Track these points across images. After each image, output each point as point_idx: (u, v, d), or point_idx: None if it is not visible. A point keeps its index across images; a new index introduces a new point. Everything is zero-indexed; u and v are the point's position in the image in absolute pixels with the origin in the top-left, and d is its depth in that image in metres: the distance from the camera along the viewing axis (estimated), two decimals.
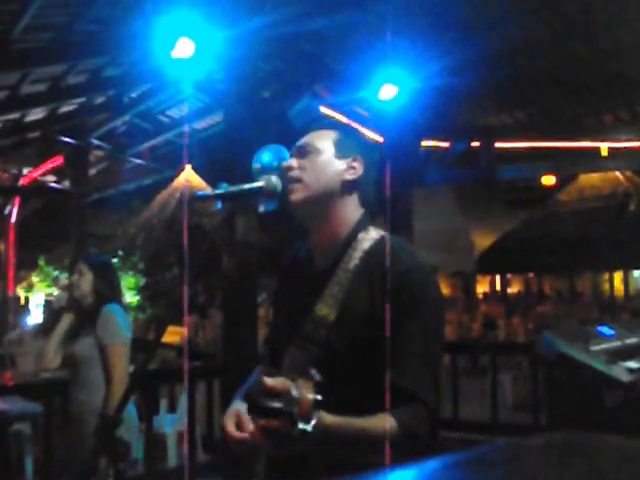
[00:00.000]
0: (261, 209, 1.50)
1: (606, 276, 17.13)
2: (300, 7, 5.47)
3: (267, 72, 7.06)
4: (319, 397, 1.21)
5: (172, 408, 5.49)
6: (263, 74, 6.95)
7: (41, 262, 12.49)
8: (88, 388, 2.98)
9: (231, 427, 1.39)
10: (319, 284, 1.48)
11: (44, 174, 11.44)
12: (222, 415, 1.46)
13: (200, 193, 1.50)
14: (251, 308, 5.28)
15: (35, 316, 10.62)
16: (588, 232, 12.41)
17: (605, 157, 8.51)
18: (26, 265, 12.94)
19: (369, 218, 1.57)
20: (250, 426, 1.35)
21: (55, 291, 11.84)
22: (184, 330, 6.37)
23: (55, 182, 11.72)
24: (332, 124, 1.64)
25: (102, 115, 9.34)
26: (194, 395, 4.89)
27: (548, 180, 11.82)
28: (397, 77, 5.92)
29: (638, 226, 11.94)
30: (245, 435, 1.35)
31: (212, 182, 9.20)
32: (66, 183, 10.82)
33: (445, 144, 9.01)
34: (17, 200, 12.24)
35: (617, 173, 12.90)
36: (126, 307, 3.66)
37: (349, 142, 1.57)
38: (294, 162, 1.53)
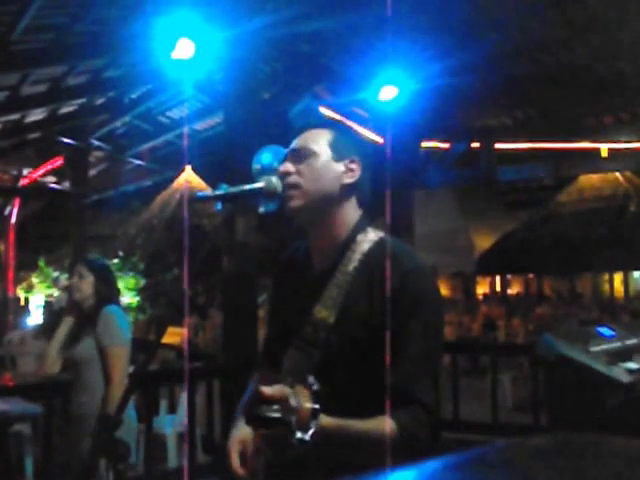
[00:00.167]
0: (261, 210, 1.50)
1: (606, 277, 17.12)
2: (300, 8, 5.47)
3: (267, 73, 7.06)
4: (317, 406, 1.20)
5: (172, 409, 5.49)
6: (263, 75, 6.95)
7: (41, 263, 12.49)
8: (89, 389, 2.98)
9: (235, 460, 1.39)
10: (318, 286, 1.48)
11: (44, 175, 11.45)
12: (222, 416, 1.46)
13: (200, 194, 1.50)
14: (251, 309, 5.28)
15: (35, 317, 10.61)
16: (588, 233, 12.40)
17: (605, 158, 8.52)
18: (26, 266, 12.95)
19: (367, 219, 1.56)
20: (254, 461, 1.35)
21: (55, 292, 11.84)
22: (184, 331, 6.37)
23: (55, 183, 11.73)
24: (325, 122, 1.61)
25: (102, 116, 9.34)
26: (194, 396, 4.89)
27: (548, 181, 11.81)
28: (397, 78, 5.92)
29: (638, 227, 11.93)
30: (247, 472, 1.36)
31: (212, 183, 9.20)
32: (66, 184, 10.83)
33: (445, 145, 9.02)
34: (17, 201, 12.24)
35: (617, 174, 12.89)
36: (126, 308, 3.66)
37: (345, 142, 1.54)
38: (291, 167, 1.50)
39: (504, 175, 9.26)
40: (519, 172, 9.56)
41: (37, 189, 11.86)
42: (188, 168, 11.29)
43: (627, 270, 15.85)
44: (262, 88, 6.64)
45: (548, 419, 3.83)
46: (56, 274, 12.12)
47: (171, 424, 5.06)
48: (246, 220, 4.98)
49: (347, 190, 1.51)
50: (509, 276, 18.12)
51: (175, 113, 9.71)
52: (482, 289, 18.56)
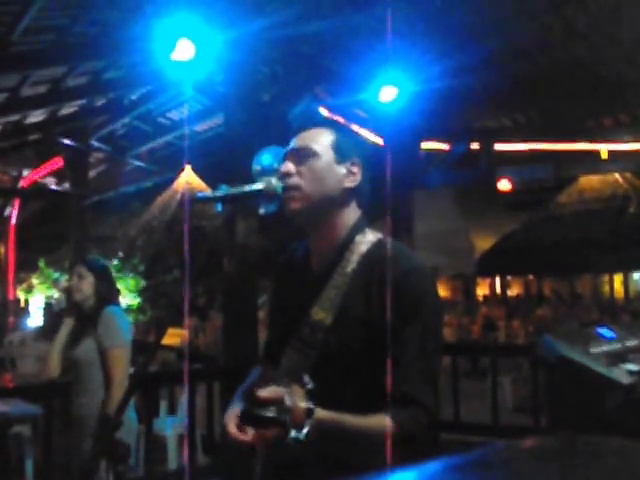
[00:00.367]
0: (261, 211, 1.49)
1: (606, 278, 17.12)
2: (300, 10, 5.47)
3: (267, 75, 7.07)
4: (311, 405, 1.21)
5: (172, 410, 5.49)
6: (263, 76, 6.95)
7: (41, 264, 12.49)
8: (89, 391, 2.98)
9: (233, 428, 1.39)
10: (316, 287, 1.48)
11: (44, 176, 11.45)
12: (222, 417, 1.46)
13: (200, 195, 1.49)
14: (251, 310, 5.28)
15: (35, 318, 10.61)
16: (588, 234, 12.41)
17: (605, 159, 8.53)
18: (26, 267, 12.94)
19: (366, 220, 1.56)
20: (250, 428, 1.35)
21: (55, 293, 11.84)
22: (184, 332, 6.36)
23: (55, 184, 11.73)
24: (326, 122, 1.59)
25: (102, 117, 9.35)
26: (194, 397, 4.88)
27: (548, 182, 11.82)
28: (397, 79, 5.93)
29: (638, 228, 11.94)
30: (247, 437, 1.35)
31: (212, 184, 9.20)
32: (66, 185, 10.82)
33: (445, 146, 9.02)
34: (17, 202, 12.25)
35: (617, 175, 12.91)
36: (126, 309, 3.66)
37: (346, 143, 1.52)
38: (291, 167, 1.49)
39: (504, 175, 9.27)
40: (519, 173, 9.56)
41: (37, 190, 11.86)
42: (188, 169, 11.30)
43: (627, 271, 15.86)
44: (262, 89, 6.64)
45: (548, 420, 3.83)
46: (56, 275, 12.12)
47: (171, 425, 5.06)
48: (246, 221, 4.99)
49: (348, 193, 1.50)
50: (509, 277, 18.12)
51: (175, 114, 9.72)
52: (482, 290, 18.55)
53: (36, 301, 12.45)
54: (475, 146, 8.76)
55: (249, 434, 1.35)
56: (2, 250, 12.33)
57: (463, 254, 13.74)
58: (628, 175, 12.93)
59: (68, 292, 3.25)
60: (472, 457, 0.78)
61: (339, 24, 5.91)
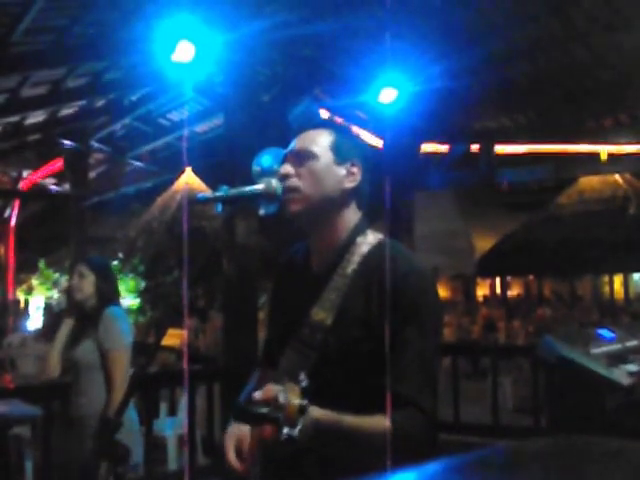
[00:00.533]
0: (261, 212, 1.49)
1: (606, 279, 17.13)
2: (300, 11, 5.48)
3: (267, 76, 7.07)
4: (305, 402, 1.22)
5: (172, 411, 5.48)
6: (263, 78, 6.96)
7: (41, 265, 12.49)
8: (89, 392, 2.97)
9: (231, 454, 1.40)
10: (317, 288, 1.48)
11: (44, 177, 11.46)
12: (222, 418, 1.46)
13: (200, 196, 1.49)
14: (251, 311, 5.28)
15: (35, 319, 10.61)
16: (588, 235, 12.42)
17: (605, 160, 8.53)
18: (26, 268, 12.95)
19: (367, 221, 1.56)
20: (251, 457, 1.36)
21: (55, 294, 11.84)
22: (184, 333, 6.36)
23: (55, 185, 11.74)
24: (325, 123, 1.59)
25: (102, 118, 9.35)
26: (194, 398, 4.88)
27: (548, 183, 11.84)
28: (397, 81, 5.93)
29: (638, 229, 11.95)
30: (245, 467, 1.36)
31: (212, 185, 9.21)
32: (66, 186, 10.83)
33: (445, 147, 9.02)
34: (17, 203, 12.25)
35: (617, 176, 12.91)
36: (126, 310, 3.66)
37: (346, 144, 1.52)
38: (290, 169, 1.49)
39: (504, 177, 9.27)
40: (519, 174, 9.57)
41: (37, 191, 11.87)
42: (188, 170, 11.30)
43: (627, 272, 15.87)
44: (262, 90, 6.65)
45: (548, 421, 3.83)
46: (56, 276, 12.13)
47: (171, 426, 5.06)
48: (246, 222, 4.98)
49: (348, 194, 1.51)
50: (509, 278, 18.13)
51: (175, 115, 9.72)
52: (482, 291, 18.56)
53: (36, 302, 12.45)
54: (475, 147, 8.76)
55: (247, 462, 1.36)
56: (2, 251, 12.32)
57: (463, 255, 13.75)
58: (628, 176, 12.94)
59: (69, 292, 3.24)
60: (472, 458, 0.78)
61: (339, 26, 5.91)
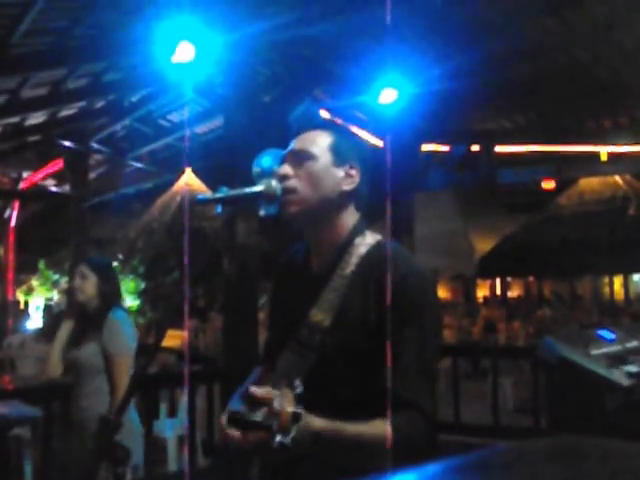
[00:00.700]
0: (261, 213, 1.49)
1: (606, 280, 17.13)
2: (300, 12, 5.48)
3: (267, 76, 7.07)
4: (299, 410, 1.20)
5: (172, 412, 5.48)
6: (263, 78, 6.96)
7: (41, 266, 12.50)
8: (90, 394, 2.96)
9: (230, 428, 1.38)
10: (315, 289, 1.47)
11: (44, 178, 11.45)
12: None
13: (200, 196, 1.49)
14: (252, 312, 5.28)
15: (35, 320, 10.61)
16: (588, 236, 12.42)
17: (605, 161, 8.53)
18: (26, 269, 12.95)
19: (365, 222, 1.55)
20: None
21: (55, 295, 11.84)
22: (184, 334, 6.36)
23: (55, 186, 11.73)
24: (325, 124, 1.58)
25: (102, 119, 9.34)
26: (194, 399, 4.88)
27: (548, 184, 11.84)
28: (397, 81, 5.93)
29: (638, 230, 11.95)
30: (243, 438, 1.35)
31: (212, 186, 9.20)
32: (66, 187, 10.82)
33: (445, 148, 9.02)
34: (17, 204, 12.24)
35: (617, 177, 12.91)
36: (126, 311, 3.65)
37: (345, 146, 1.52)
38: (289, 170, 1.49)
39: (504, 178, 9.27)
40: (519, 175, 9.57)
41: (37, 192, 11.86)
42: (188, 171, 11.29)
43: (627, 273, 15.87)
44: (262, 91, 6.65)
45: (548, 421, 3.83)
46: (56, 277, 12.13)
47: (171, 427, 5.05)
48: (247, 223, 4.99)
49: (346, 196, 1.50)
50: (509, 279, 18.13)
51: (175, 116, 9.72)
52: (482, 292, 18.56)
53: (36, 303, 12.46)
54: (475, 148, 8.76)
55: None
56: (2, 252, 12.32)
57: (463, 256, 13.74)
58: (628, 177, 12.94)
59: (70, 293, 3.24)
60: (473, 459, 0.78)
61: (339, 26, 5.91)
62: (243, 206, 1.51)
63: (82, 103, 8.68)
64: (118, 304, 3.12)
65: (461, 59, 5.98)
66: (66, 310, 3.27)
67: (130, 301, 10.96)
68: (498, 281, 18.35)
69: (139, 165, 11.18)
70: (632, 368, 3.03)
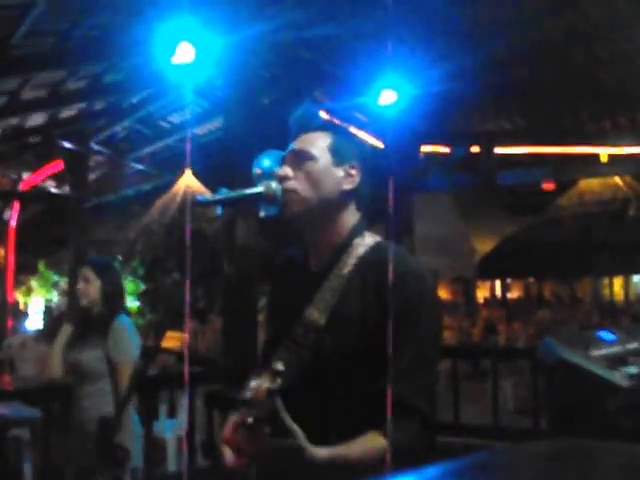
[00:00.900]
0: (261, 214, 1.49)
1: (606, 281, 17.14)
2: (300, 14, 5.48)
3: (267, 78, 7.07)
4: (275, 386, 1.25)
5: (172, 413, 5.48)
6: (263, 80, 6.96)
7: (41, 267, 12.49)
8: (92, 397, 2.95)
9: (227, 452, 1.40)
10: (312, 288, 1.47)
11: (44, 179, 11.45)
12: (222, 420, 1.46)
13: (200, 198, 1.49)
14: (251, 313, 5.27)
15: (34, 321, 10.61)
16: (588, 237, 12.43)
17: (605, 163, 8.54)
18: (25, 270, 12.94)
19: (365, 223, 1.55)
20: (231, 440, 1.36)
21: (55, 296, 11.84)
22: (184, 335, 6.36)
23: (55, 187, 11.73)
24: (324, 125, 1.58)
25: (102, 120, 9.35)
26: (194, 400, 4.88)
27: (548, 186, 11.84)
28: (397, 83, 5.93)
29: (638, 231, 11.95)
30: (238, 464, 1.36)
31: (212, 187, 9.19)
32: (66, 188, 10.82)
33: (445, 150, 9.03)
34: (17, 205, 12.24)
35: (617, 179, 12.91)
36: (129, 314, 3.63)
37: (345, 146, 1.52)
38: (289, 171, 1.49)
39: (504, 179, 9.27)
40: (519, 176, 9.58)
41: (37, 193, 11.86)
42: (188, 172, 11.28)
43: (627, 274, 15.88)
44: (262, 93, 6.65)
45: (548, 423, 3.83)
46: (56, 278, 12.12)
47: (171, 428, 5.05)
48: (246, 224, 4.99)
49: (346, 196, 1.50)
50: (509, 280, 18.14)
51: (175, 117, 9.72)
52: (482, 293, 18.56)
53: (35, 304, 12.45)
54: (475, 149, 8.77)
55: (237, 457, 1.36)
56: (2, 253, 12.31)
57: (463, 257, 13.74)
58: (628, 178, 12.94)
59: (72, 296, 3.23)
60: (473, 461, 0.78)
61: (339, 28, 5.92)
62: (243, 207, 1.52)
63: (82, 104, 8.69)
64: (122, 308, 3.09)
65: (461, 61, 5.98)
66: (66, 314, 3.25)
67: (129, 303, 10.95)
68: (498, 282, 18.37)
69: (139, 166, 11.19)
70: (632, 369, 3.02)
